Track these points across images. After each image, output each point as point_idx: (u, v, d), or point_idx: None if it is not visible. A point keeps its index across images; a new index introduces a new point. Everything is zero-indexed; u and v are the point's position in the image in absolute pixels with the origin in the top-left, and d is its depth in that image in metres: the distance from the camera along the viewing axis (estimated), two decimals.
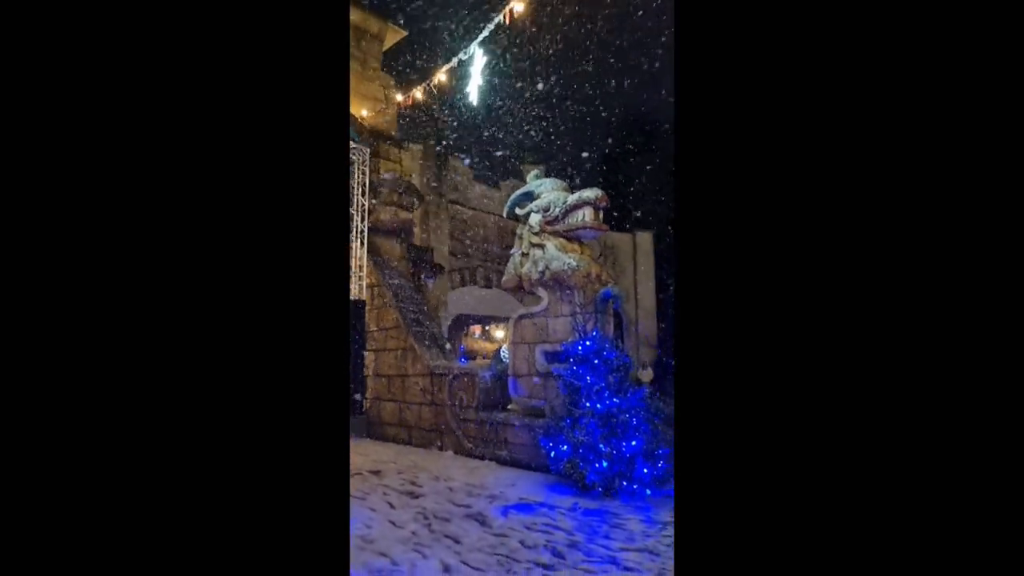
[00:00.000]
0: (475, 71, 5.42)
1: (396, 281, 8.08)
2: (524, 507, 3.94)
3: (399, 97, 8.38)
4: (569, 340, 5.12)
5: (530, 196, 5.76)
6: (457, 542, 3.15)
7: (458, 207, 13.22)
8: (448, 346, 7.54)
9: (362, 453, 6.38)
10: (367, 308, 8.00)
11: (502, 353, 6.22)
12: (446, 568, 2.73)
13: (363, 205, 8.02)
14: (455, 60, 5.58)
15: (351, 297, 7.85)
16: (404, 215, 8.69)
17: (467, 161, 13.68)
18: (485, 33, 5.06)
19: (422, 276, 8.84)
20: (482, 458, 5.85)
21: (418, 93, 7.26)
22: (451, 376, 6.50)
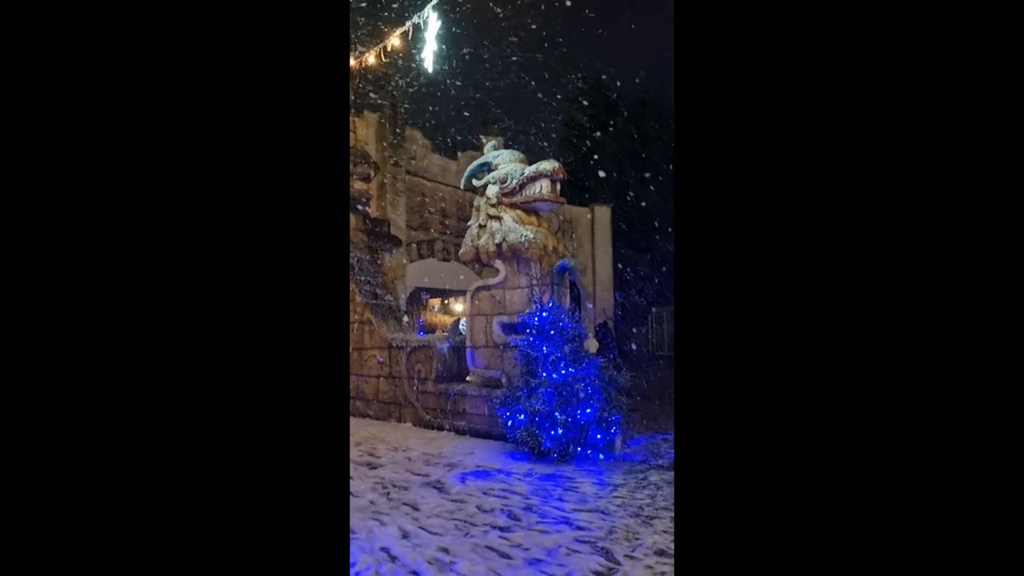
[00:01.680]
0: (430, 36, 5.26)
1: (352, 254, 7.91)
2: (481, 474, 4.04)
3: (351, 61, 8.03)
4: (526, 312, 5.19)
5: (487, 167, 5.71)
6: (415, 509, 3.21)
7: (415, 178, 12.97)
8: (406, 319, 7.50)
9: None
10: None
11: (460, 325, 6.25)
12: (404, 534, 2.79)
13: None
14: (409, 24, 5.39)
15: None
16: (359, 186, 8.46)
17: (424, 131, 13.36)
18: None
19: (379, 248, 8.69)
20: (440, 429, 5.92)
21: (371, 57, 6.99)
22: (409, 349, 6.48)
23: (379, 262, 8.66)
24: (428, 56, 5.31)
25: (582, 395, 4.41)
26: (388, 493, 3.56)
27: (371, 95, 10.87)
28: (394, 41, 5.98)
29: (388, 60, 7.11)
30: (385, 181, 11.47)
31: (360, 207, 8.61)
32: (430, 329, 13.80)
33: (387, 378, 6.73)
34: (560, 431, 4.33)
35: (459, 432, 5.71)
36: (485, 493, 3.53)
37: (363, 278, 7.58)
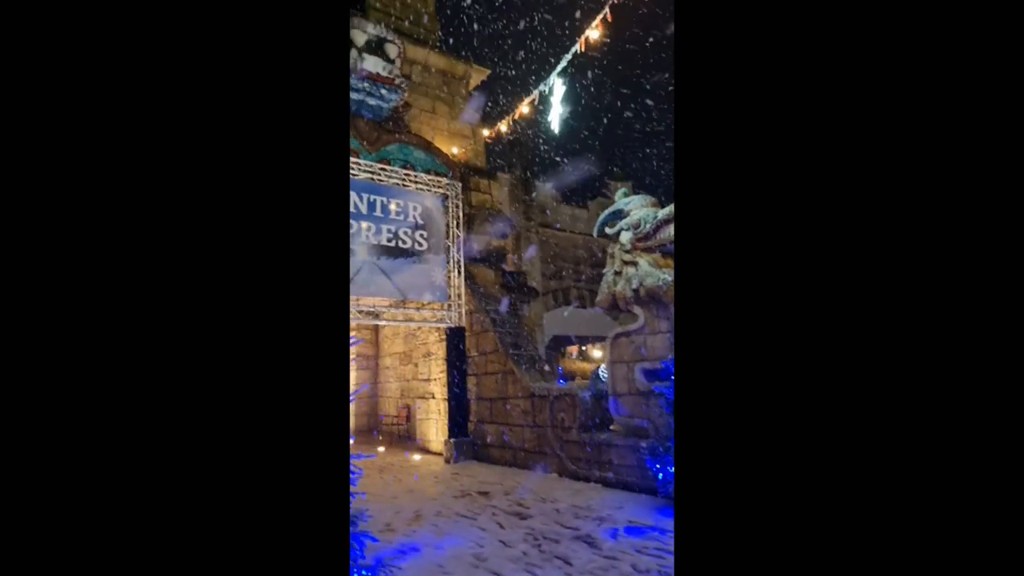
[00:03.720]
0: (555, 100, 5.60)
1: (493, 306, 8.36)
2: (634, 530, 3.87)
3: (485, 132, 8.81)
4: (668, 357, 4.99)
5: (619, 214, 5.76)
6: (567, 563, 3.18)
7: (548, 230, 13.43)
8: (546, 368, 7.64)
9: (469, 475, 6.60)
10: (467, 334, 8.34)
11: (600, 373, 6.19)
12: None
13: (458, 236, 8.46)
14: (536, 92, 5.80)
15: (452, 325, 8.24)
16: (496, 242, 9.01)
17: (553, 184, 13.88)
18: (563, 64, 5.23)
19: (517, 300, 9.07)
20: (587, 480, 5.81)
21: (503, 126, 7.60)
22: (551, 398, 6.56)
23: (518, 313, 9.02)
24: (555, 118, 5.64)
25: None
26: (539, 545, 3.58)
27: (504, 158, 11.68)
28: (523, 108, 6.45)
29: (518, 127, 7.68)
30: (520, 235, 12.05)
31: (498, 262, 9.13)
32: (570, 376, 13.80)
33: (531, 427, 6.85)
34: None
35: (606, 484, 5.55)
36: (639, 551, 3.37)
37: (504, 329, 7.94)
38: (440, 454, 8.34)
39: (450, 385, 8.10)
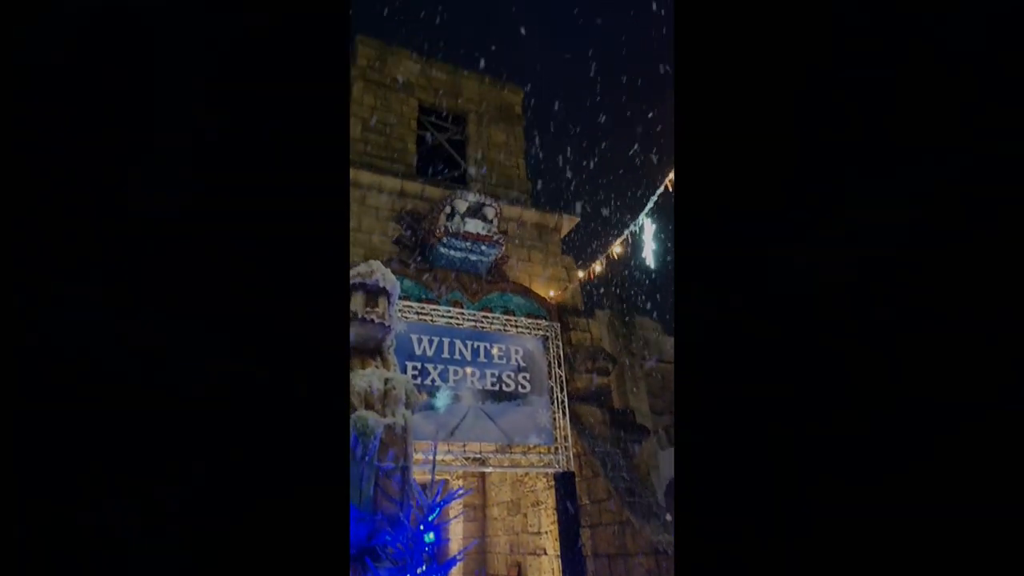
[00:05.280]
0: (647, 238, 5.84)
1: (602, 448, 7.93)
2: None
3: (580, 274, 9.22)
4: None
5: None
6: None
7: (652, 363, 13.00)
8: (668, 517, 6.85)
9: None
10: (576, 479, 7.87)
11: None
12: None
13: (560, 376, 8.44)
14: (627, 232, 6.11)
15: (560, 470, 7.87)
16: (600, 380, 8.85)
17: (656, 316, 13.75)
18: (650, 205, 5.54)
19: (627, 440, 8.55)
20: None
21: (597, 267, 7.92)
22: None
23: (630, 455, 8.44)
24: (648, 254, 5.82)
25: None
26: None
27: (601, 296, 11.95)
28: (616, 248, 6.75)
29: (612, 265, 7.97)
30: (623, 371, 11.76)
31: (603, 400, 8.86)
32: None
33: None
34: None
35: None
36: None
37: (615, 474, 7.41)
38: None
39: (562, 539, 7.47)
